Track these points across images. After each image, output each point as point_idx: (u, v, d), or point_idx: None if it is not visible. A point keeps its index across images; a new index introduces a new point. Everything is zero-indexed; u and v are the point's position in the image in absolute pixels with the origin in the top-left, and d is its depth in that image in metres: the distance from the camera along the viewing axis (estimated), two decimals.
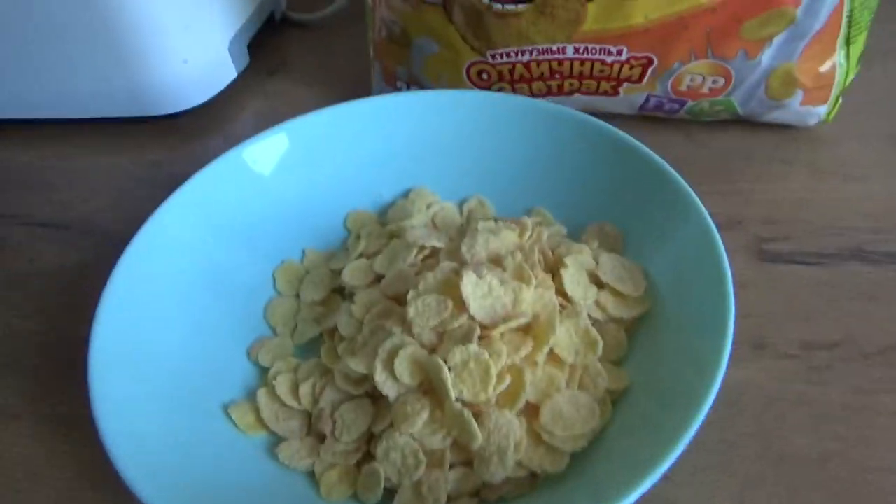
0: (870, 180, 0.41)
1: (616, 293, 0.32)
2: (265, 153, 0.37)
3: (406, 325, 0.29)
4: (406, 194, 0.40)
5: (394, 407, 0.28)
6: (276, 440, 0.30)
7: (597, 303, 0.32)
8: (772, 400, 0.32)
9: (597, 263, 0.33)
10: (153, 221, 0.33)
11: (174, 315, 0.32)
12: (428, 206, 0.39)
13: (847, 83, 0.41)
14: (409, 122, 0.40)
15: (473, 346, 0.27)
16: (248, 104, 0.51)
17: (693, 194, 0.32)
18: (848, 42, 0.39)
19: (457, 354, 0.27)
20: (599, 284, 0.33)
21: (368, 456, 0.29)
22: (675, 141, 0.44)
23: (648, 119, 0.45)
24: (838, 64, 0.40)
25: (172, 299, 0.32)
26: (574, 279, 0.32)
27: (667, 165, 0.34)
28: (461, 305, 0.29)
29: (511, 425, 0.27)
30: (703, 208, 0.32)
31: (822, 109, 0.42)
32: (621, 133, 0.36)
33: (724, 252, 0.30)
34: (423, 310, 0.29)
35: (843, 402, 0.31)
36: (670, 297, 0.32)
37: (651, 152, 0.35)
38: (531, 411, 0.28)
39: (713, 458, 0.30)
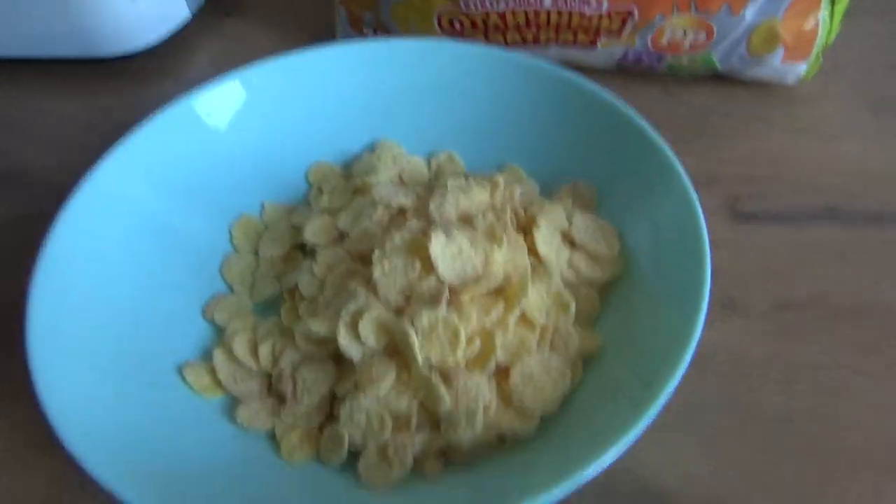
0: (845, 140, 0.40)
1: (589, 254, 0.31)
2: (218, 102, 0.35)
3: (371, 287, 0.28)
4: (372, 147, 0.38)
5: (358, 370, 0.27)
6: (234, 402, 0.29)
7: (570, 263, 0.31)
8: (740, 360, 0.31)
9: (570, 223, 0.32)
10: (96, 175, 0.31)
11: (121, 273, 0.30)
12: (394, 161, 0.37)
13: (829, 41, 0.40)
14: (376, 71, 0.38)
15: (442, 310, 0.26)
16: (205, 46, 0.48)
17: (671, 153, 0.31)
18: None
19: (424, 318, 0.26)
20: (573, 245, 0.32)
21: (331, 418, 0.28)
22: (652, 96, 0.43)
23: (626, 74, 0.43)
24: (821, 21, 0.39)
25: (119, 256, 0.30)
26: (547, 239, 0.31)
27: (644, 122, 0.33)
28: (429, 266, 0.28)
29: (480, 388, 0.26)
30: (681, 168, 0.31)
31: (802, 67, 0.41)
32: (598, 87, 0.35)
33: (702, 214, 0.29)
34: (390, 271, 0.28)
35: (812, 362, 0.31)
36: (645, 259, 0.31)
37: (628, 108, 0.33)
38: (501, 373, 0.27)
39: (679, 419, 0.29)
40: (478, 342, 0.26)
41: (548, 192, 0.35)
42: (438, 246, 0.28)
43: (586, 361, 0.29)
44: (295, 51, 0.36)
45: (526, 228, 0.31)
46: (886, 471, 0.28)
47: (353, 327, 0.27)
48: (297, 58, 0.36)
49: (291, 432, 0.27)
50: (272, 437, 0.28)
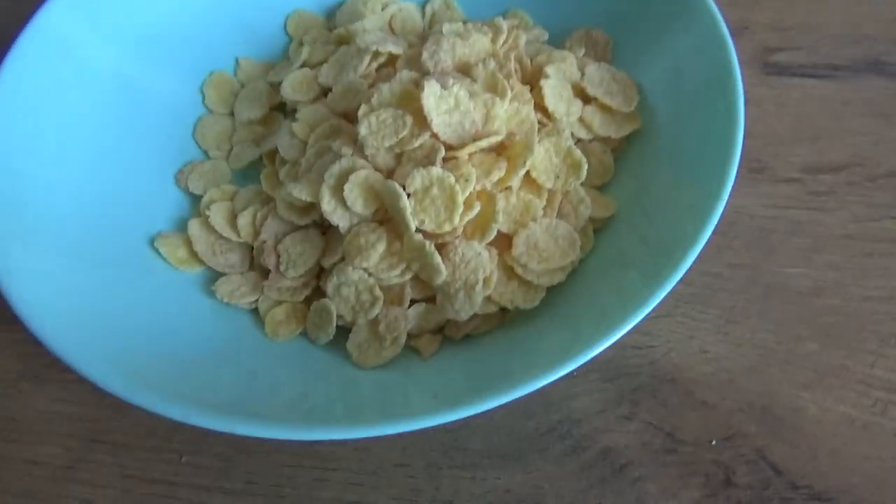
0: None
1: (604, 108, 0.28)
2: None
3: (357, 146, 0.25)
4: None
5: (345, 239, 0.24)
6: (214, 276, 0.26)
7: (581, 119, 0.27)
8: (765, 230, 0.29)
9: (582, 74, 0.28)
10: (37, 23, 0.27)
11: (79, 137, 0.27)
12: (384, 7, 0.33)
13: None
14: None
15: (437, 169, 0.23)
16: None
17: None
18: None
19: (417, 179, 0.23)
20: (585, 98, 0.28)
21: (318, 292, 0.26)
22: None
23: None
24: None
25: (75, 118, 0.27)
26: (556, 91, 0.27)
27: None
28: (422, 122, 0.24)
29: (480, 258, 0.23)
30: (714, 7, 0.26)
31: None
32: None
33: (737, 65, 0.25)
34: (378, 127, 0.25)
35: (842, 231, 0.28)
36: (666, 115, 0.27)
37: None
38: (503, 242, 0.24)
39: (696, 291, 0.27)
40: (477, 206, 0.23)
41: (558, 41, 0.31)
42: (432, 98, 0.24)
43: (598, 229, 0.26)
44: None
45: (532, 80, 0.28)
46: None
47: (338, 191, 0.24)
48: None
49: (276, 307, 0.25)
50: (255, 313, 0.26)
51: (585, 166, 0.25)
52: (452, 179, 0.23)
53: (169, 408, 0.20)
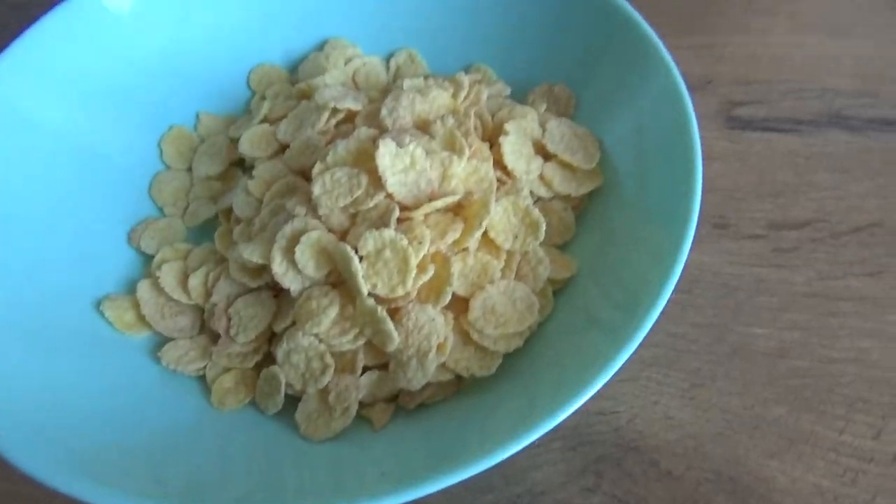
0: (858, 35, 0.35)
1: (565, 165, 0.27)
2: None
3: (311, 205, 0.24)
4: (321, 46, 0.33)
5: (297, 302, 0.24)
6: (162, 341, 0.25)
7: (541, 177, 0.27)
8: (729, 287, 0.28)
9: (544, 130, 0.28)
10: None
11: (26, 198, 0.26)
12: (347, 61, 0.32)
13: None
14: None
15: (389, 232, 0.23)
16: None
17: (661, 45, 0.27)
18: None
19: (369, 241, 0.23)
20: (546, 155, 0.28)
21: (269, 358, 0.25)
22: None
23: None
24: None
25: (20, 180, 0.26)
26: (515, 149, 0.27)
27: (630, 8, 0.28)
28: (378, 181, 0.24)
29: (434, 324, 0.23)
30: (671, 63, 0.26)
31: None
32: None
33: (695, 119, 0.25)
34: (332, 186, 0.24)
35: (806, 289, 0.28)
36: (627, 171, 0.27)
37: None
38: (460, 306, 0.24)
39: (660, 352, 0.27)
40: (431, 270, 0.23)
41: (520, 94, 0.31)
42: (387, 157, 0.24)
43: (558, 290, 0.25)
44: None
45: (493, 136, 0.27)
46: (888, 408, 0.25)
47: (290, 253, 0.23)
48: None
49: (224, 374, 0.24)
50: (202, 381, 0.25)
51: (543, 226, 0.25)
52: (405, 242, 0.23)
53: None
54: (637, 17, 0.28)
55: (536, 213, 0.25)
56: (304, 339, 0.23)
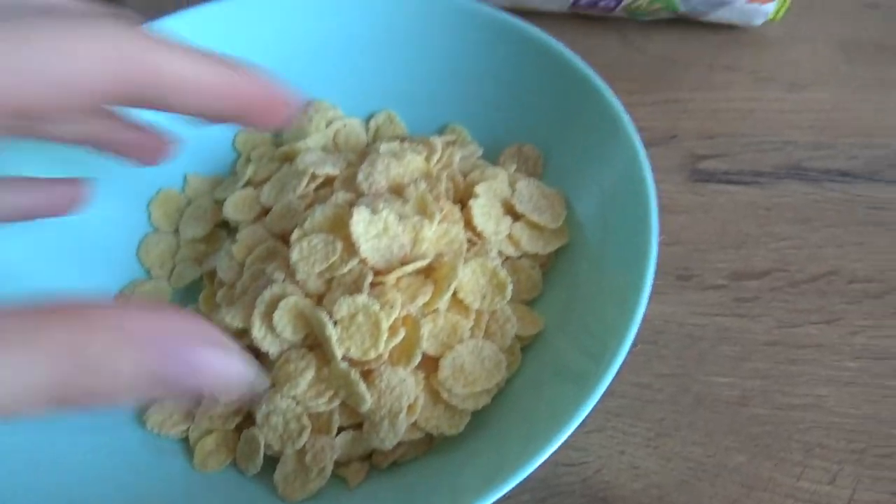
0: (816, 89, 0.37)
1: (532, 225, 0.29)
2: None
3: (290, 271, 0.26)
4: (303, 108, 0.35)
5: (275, 366, 0.25)
6: (144, 404, 0.27)
7: (510, 236, 0.28)
8: (693, 337, 0.29)
9: (513, 191, 0.29)
10: None
11: (13, 260, 0.27)
12: (328, 123, 0.34)
13: None
14: (308, 20, 0.34)
15: (362, 298, 0.24)
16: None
17: (620, 109, 0.28)
18: None
19: (343, 307, 0.24)
20: (515, 215, 0.29)
21: (249, 419, 0.26)
22: (609, 44, 0.39)
23: (581, 18, 0.40)
24: None
25: (9, 244, 0.27)
26: (485, 211, 0.28)
27: (592, 73, 0.29)
28: (352, 247, 0.25)
29: (404, 385, 0.24)
30: (630, 126, 0.28)
31: (770, 7, 0.38)
32: (546, 36, 0.31)
33: (651, 176, 0.26)
34: (309, 252, 0.25)
35: (767, 338, 0.29)
36: (591, 227, 0.28)
37: (576, 57, 0.30)
38: (430, 364, 0.25)
39: (626, 403, 0.28)
40: (402, 332, 0.24)
41: (493, 153, 0.33)
42: (361, 224, 0.25)
43: (526, 346, 0.27)
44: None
45: (464, 197, 0.29)
46: (844, 454, 0.26)
47: (269, 318, 0.25)
48: (217, 6, 0.33)
49: (206, 436, 0.25)
50: (185, 443, 0.26)
51: (510, 286, 0.26)
52: (377, 307, 0.24)
53: None
54: (601, 85, 0.29)
55: (504, 273, 0.26)
56: (282, 401, 0.24)
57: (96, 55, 0.16)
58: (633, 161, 0.27)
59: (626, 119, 0.28)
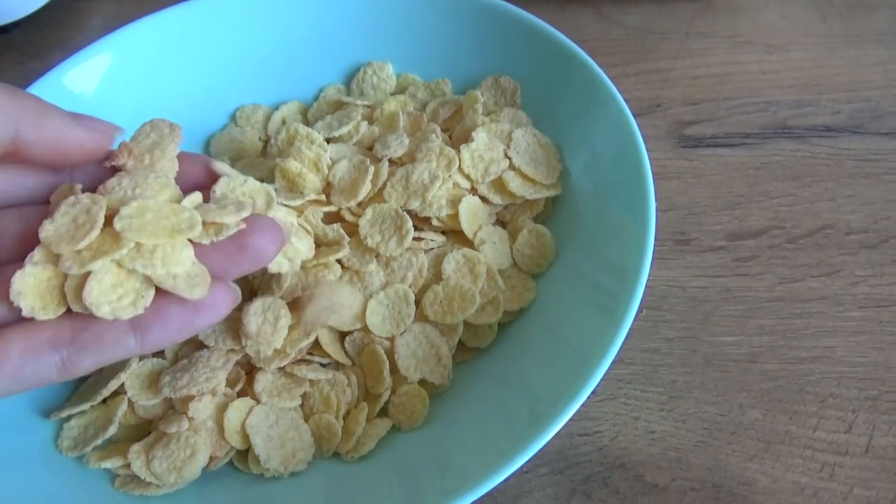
0: (793, 48, 0.37)
1: (525, 176, 0.28)
2: (89, 76, 0.30)
3: None
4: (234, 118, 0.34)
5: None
6: None
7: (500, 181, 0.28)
8: (697, 299, 0.29)
9: (510, 140, 0.29)
10: None
11: None
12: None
13: None
14: (277, 21, 0.33)
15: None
16: (95, 10, 0.43)
17: (609, 82, 0.28)
18: None
19: None
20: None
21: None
22: (585, 20, 0.39)
23: None
24: None
25: None
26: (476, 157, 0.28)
27: (577, 48, 0.29)
28: None
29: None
30: (618, 96, 0.28)
31: None
32: (528, 15, 0.31)
33: (642, 143, 0.26)
34: None
35: (770, 294, 0.29)
36: (586, 197, 0.28)
37: (560, 34, 0.30)
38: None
39: (637, 369, 0.27)
40: None
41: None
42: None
43: (528, 327, 0.26)
44: (181, 4, 0.32)
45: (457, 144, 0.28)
46: (857, 402, 0.26)
47: None
48: (184, 9, 0.32)
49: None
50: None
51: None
52: None
53: None
54: (587, 58, 0.29)
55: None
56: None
57: None
58: (623, 129, 0.27)
59: (613, 89, 0.28)
